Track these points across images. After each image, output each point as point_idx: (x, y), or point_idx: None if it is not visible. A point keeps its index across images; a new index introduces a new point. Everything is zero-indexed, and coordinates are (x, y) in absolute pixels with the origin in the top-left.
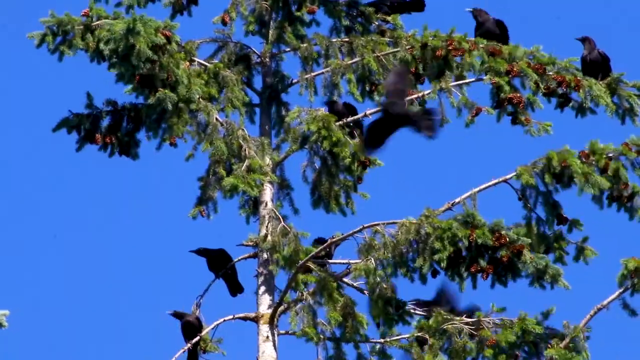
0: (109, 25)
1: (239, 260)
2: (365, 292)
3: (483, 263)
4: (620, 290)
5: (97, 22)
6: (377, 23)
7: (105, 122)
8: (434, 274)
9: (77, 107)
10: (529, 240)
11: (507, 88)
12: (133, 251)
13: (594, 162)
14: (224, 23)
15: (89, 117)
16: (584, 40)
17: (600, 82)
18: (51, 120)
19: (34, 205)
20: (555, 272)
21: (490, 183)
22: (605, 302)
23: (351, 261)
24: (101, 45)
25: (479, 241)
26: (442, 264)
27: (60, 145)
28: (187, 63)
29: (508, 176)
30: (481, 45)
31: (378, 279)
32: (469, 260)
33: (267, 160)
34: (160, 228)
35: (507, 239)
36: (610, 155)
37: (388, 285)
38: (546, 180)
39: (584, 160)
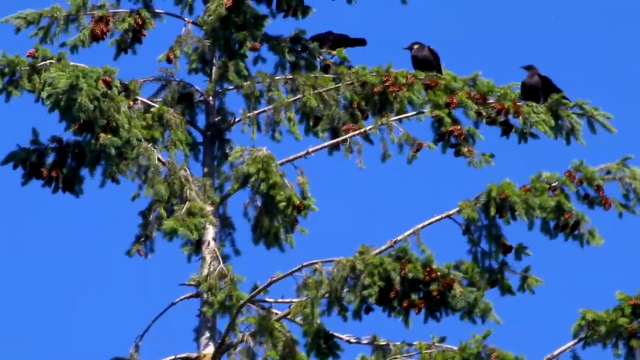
0: (51, 79)
1: (181, 299)
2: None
3: (414, 297)
4: (574, 342)
5: (43, 63)
6: (322, 57)
7: (50, 159)
8: (367, 310)
9: (23, 142)
10: (460, 275)
11: (447, 120)
12: (74, 289)
13: (536, 197)
14: (169, 61)
15: (34, 152)
16: (528, 68)
17: (541, 105)
18: None
19: None
20: (485, 306)
21: (433, 219)
22: (555, 353)
23: (292, 300)
24: (43, 95)
25: (411, 275)
26: (371, 299)
27: (3, 181)
28: (131, 102)
29: (451, 212)
30: (420, 78)
31: (312, 316)
32: (401, 295)
33: (208, 201)
34: (101, 265)
35: (438, 273)
36: (554, 184)
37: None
38: (490, 213)
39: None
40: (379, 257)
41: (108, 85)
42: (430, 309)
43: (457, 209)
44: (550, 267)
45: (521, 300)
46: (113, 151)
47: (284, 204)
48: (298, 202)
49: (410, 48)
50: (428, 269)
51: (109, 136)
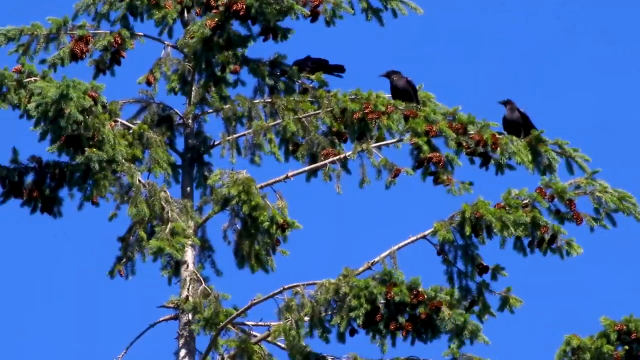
0: (39, 89)
1: (160, 321)
2: (285, 349)
3: (402, 320)
4: None
5: (28, 80)
6: (300, 81)
7: (29, 179)
8: (352, 332)
9: (2, 161)
10: (447, 297)
11: (425, 148)
12: (52, 309)
13: (510, 213)
14: (148, 83)
15: (15, 171)
16: (506, 103)
17: (521, 140)
18: None
19: None
20: (474, 327)
21: (408, 240)
22: None
23: (272, 323)
24: (30, 108)
25: (397, 299)
26: (358, 322)
27: None
28: (112, 123)
29: (426, 232)
30: (400, 108)
31: (297, 338)
32: (387, 318)
33: (190, 222)
34: (80, 287)
35: (425, 296)
36: (526, 202)
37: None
38: (465, 233)
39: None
40: (364, 280)
41: (94, 100)
42: (417, 332)
43: (432, 229)
44: (523, 287)
45: (501, 320)
46: (97, 166)
47: (267, 223)
48: (282, 220)
49: (387, 76)
50: (414, 292)
51: (95, 150)
